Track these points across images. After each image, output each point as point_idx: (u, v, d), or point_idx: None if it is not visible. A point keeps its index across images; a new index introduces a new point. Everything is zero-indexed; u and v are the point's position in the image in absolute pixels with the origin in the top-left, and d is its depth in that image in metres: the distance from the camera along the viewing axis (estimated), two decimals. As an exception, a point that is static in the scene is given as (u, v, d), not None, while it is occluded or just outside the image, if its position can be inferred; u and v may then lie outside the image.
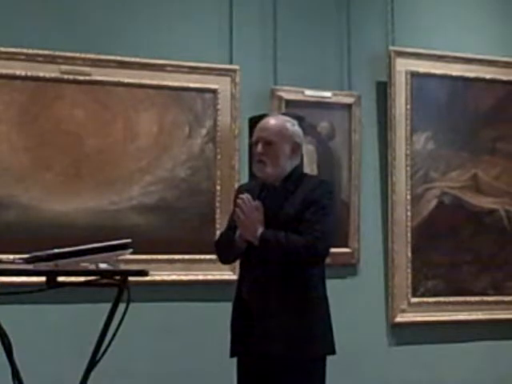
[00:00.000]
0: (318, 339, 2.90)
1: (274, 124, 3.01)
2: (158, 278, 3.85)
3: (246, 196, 2.93)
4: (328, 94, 4.27)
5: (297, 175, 3.00)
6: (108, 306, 2.52)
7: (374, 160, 4.42)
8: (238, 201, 2.92)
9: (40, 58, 3.80)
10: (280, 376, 2.86)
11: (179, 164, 4.03)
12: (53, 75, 3.83)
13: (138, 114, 3.96)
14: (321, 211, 2.89)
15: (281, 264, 2.87)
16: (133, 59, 3.95)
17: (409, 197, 4.43)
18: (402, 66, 4.43)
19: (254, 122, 3.43)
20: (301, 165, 3.14)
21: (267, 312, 2.87)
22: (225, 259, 3.14)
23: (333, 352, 2.98)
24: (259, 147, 2.98)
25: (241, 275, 3.06)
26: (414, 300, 4.42)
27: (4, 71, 3.74)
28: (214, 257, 3.92)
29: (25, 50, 3.77)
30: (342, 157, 4.33)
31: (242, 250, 2.97)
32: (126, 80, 3.95)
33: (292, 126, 3.03)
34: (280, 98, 4.16)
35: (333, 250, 4.15)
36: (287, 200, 2.93)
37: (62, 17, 3.89)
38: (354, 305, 4.29)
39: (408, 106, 4.43)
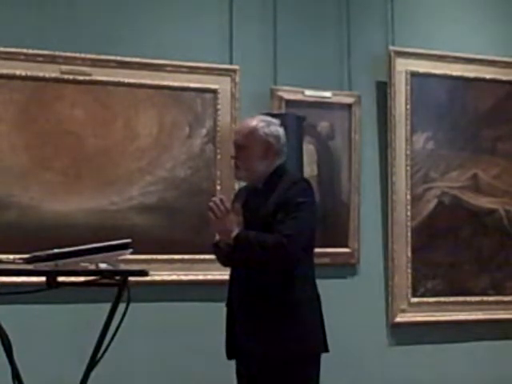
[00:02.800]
0: (303, 339, 2.89)
1: (245, 127, 3.04)
2: (157, 278, 3.85)
3: (217, 198, 2.93)
4: (328, 94, 4.27)
5: (278, 175, 2.99)
6: (108, 306, 2.52)
7: (373, 160, 4.42)
8: (210, 203, 2.92)
9: (40, 58, 3.80)
10: (267, 376, 2.87)
11: (179, 164, 4.03)
12: (53, 75, 3.83)
13: (137, 114, 3.96)
14: (292, 211, 2.85)
15: (253, 266, 2.88)
16: (133, 59, 3.95)
17: (409, 197, 4.43)
18: (402, 65, 4.43)
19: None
20: (296, 164, 3.15)
21: (250, 314, 2.90)
22: (222, 264, 3.16)
23: (324, 350, 2.98)
24: (233, 151, 3.05)
25: (229, 276, 3.10)
26: (414, 300, 4.42)
27: (4, 71, 3.74)
28: (213, 257, 3.93)
29: (25, 50, 3.77)
30: (342, 157, 4.33)
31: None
32: (126, 80, 3.95)
33: (266, 126, 3.01)
34: (280, 98, 4.16)
35: (333, 249, 4.24)
36: (266, 201, 2.93)
37: (62, 17, 3.89)
38: (354, 305, 4.29)
39: (408, 106, 4.43)
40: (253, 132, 2.99)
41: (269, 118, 3.08)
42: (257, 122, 3.03)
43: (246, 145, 2.98)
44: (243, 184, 3.20)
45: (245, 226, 2.94)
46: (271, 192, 2.93)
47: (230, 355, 3.05)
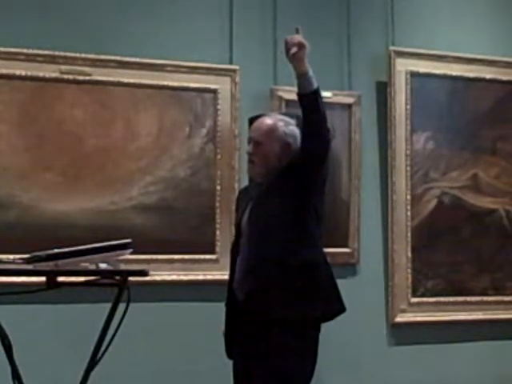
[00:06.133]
0: (322, 301, 2.95)
1: (265, 124, 3.06)
2: (157, 278, 3.85)
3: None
4: (328, 94, 4.26)
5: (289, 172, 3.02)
6: (108, 306, 2.52)
7: (373, 160, 4.42)
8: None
9: (40, 58, 3.80)
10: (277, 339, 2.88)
11: (179, 164, 4.03)
12: (53, 75, 3.82)
13: (137, 114, 3.96)
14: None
15: (322, 122, 2.90)
16: (133, 59, 3.95)
17: (409, 197, 4.43)
18: (402, 65, 4.43)
19: (253, 121, 3.45)
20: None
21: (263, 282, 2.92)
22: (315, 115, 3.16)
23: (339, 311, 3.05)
24: (249, 147, 3.06)
25: (231, 273, 3.11)
26: (414, 300, 4.42)
27: (4, 71, 3.74)
28: (213, 257, 3.95)
29: (25, 50, 3.77)
30: (342, 157, 4.33)
31: None
32: (126, 80, 3.95)
33: (285, 125, 3.04)
34: (280, 98, 4.16)
35: (333, 249, 4.22)
36: (274, 196, 2.96)
37: (62, 17, 3.89)
38: (354, 305, 4.27)
39: (408, 106, 4.43)
40: (273, 130, 3.02)
41: (286, 118, 3.11)
42: (275, 120, 3.06)
43: (265, 142, 3.01)
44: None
45: (257, 223, 2.97)
46: (282, 188, 2.96)
47: (230, 354, 3.06)
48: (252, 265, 2.96)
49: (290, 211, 2.94)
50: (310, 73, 2.92)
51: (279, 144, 3.00)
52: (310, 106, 2.89)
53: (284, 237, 2.93)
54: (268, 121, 3.07)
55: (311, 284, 2.93)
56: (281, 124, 3.04)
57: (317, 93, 2.90)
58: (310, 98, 2.89)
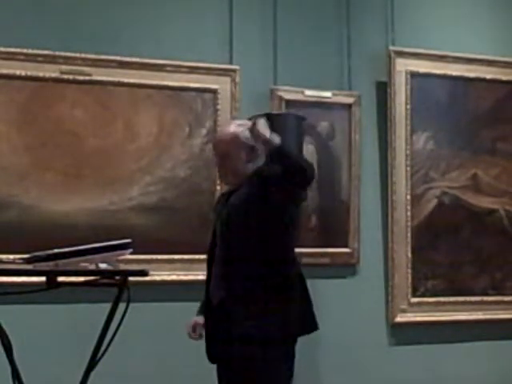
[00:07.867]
0: (286, 321, 2.92)
1: (225, 135, 3.08)
2: (157, 278, 3.85)
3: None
4: (328, 94, 4.27)
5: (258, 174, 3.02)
6: (108, 306, 2.52)
7: (373, 160, 4.43)
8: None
9: (40, 58, 3.80)
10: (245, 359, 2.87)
11: (179, 164, 4.03)
12: (53, 75, 3.83)
13: (137, 114, 3.96)
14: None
15: (301, 170, 2.87)
16: (133, 59, 3.96)
17: (409, 197, 4.43)
18: (402, 66, 4.43)
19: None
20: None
21: (233, 299, 2.92)
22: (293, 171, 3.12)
23: (306, 331, 3.00)
24: (217, 161, 3.10)
25: (207, 277, 3.12)
26: (414, 300, 4.42)
27: (4, 71, 3.75)
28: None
29: (25, 50, 3.77)
30: (342, 157, 4.33)
31: None
32: (126, 80, 3.95)
33: (245, 130, 3.04)
34: (280, 98, 4.16)
35: (333, 249, 4.23)
36: (247, 204, 2.95)
37: (62, 17, 3.89)
38: (354, 305, 4.29)
39: (408, 106, 4.43)
40: (235, 139, 3.02)
41: (244, 122, 3.11)
42: (235, 127, 3.06)
43: (230, 152, 3.01)
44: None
45: (229, 231, 2.96)
46: (257, 197, 2.95)
47: (212, 359, 3.07)
48: (225, 272, 2.96)
49: (263, 219, 2.92)
50: (268, 135, 2.87)
51: (244, 149, 3.01)
52: (280, 158, 2.87)
53: (258, 245, 2.92)
54: (228, 130, 3.08)
55: (285, 299, 2.91)
56: (241, 129, 3.04)
57: (281, 146, 2.88)
58: (276, 152, 2.88)
